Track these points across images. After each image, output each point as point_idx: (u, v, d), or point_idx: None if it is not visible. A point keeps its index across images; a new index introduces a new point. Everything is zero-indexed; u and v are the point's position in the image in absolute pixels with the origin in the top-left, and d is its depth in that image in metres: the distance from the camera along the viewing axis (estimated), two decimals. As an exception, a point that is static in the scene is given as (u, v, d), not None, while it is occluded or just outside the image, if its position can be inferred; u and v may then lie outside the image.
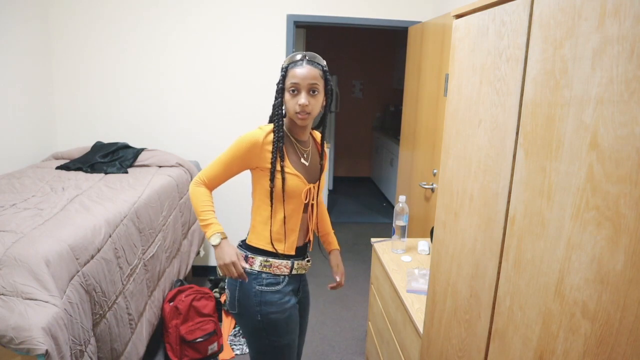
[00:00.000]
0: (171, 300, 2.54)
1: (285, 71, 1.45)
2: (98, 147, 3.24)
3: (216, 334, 2.63)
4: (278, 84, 1.46)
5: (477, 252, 1.11)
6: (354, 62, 7.02)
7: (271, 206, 1.50)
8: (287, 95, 1.44)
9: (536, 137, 0.86)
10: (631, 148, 0.64)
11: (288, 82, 1.43)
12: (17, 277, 1.51)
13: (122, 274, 2.03)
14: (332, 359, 2.73)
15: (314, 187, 1.55)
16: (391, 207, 5.63)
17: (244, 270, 1.47)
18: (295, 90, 1.42)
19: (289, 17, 3.41)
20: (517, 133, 0.94)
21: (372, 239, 2.46)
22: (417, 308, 1.73)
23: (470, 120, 1.15)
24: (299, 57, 1.45)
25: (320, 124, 1.62)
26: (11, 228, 1.75)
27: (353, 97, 7.20)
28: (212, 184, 1.52)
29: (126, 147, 3.26)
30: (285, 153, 1.48)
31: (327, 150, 1.69)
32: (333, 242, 1.80)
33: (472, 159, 1.14)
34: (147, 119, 3.51)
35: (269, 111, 1.54)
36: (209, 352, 2.59)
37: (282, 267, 1.54)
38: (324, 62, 1.48)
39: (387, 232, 4.44)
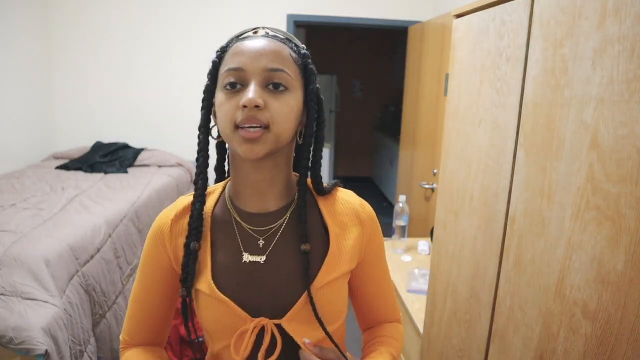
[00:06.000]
0: (171, 300, 2.53)
1: (220, 53, 0.74)
2: (98, 147, 3.24)
3: (216, 334, 2.62)
4: (206, 85, 0.74)
5: (477, 252, 1.11)
6: (354, 62, 7.02)
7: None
8: (219, 98, 0.70)
9: (536, 136, 0.86)
10: (632, 148, 0.64)
11: (223, 69, 0.70)
12: (17, 277, 1.51)
13: (121, 273, 2.03)
14: (332, 359, 2.72)
15: (280, 325, 0.72)
16: (391, 207, 5.63)
17: None
18: (237, 82, 0.68)
19: (289, 17, 3.40)
20: (517, 133, 0.93)
21: (372, 239, 2.46)
22: (417, 308, 1.73)
23: (470, 120, 1.15)
24: (250, 29, 0.75)
25: (303, 162, 0.76)
26: (11, 228, 1.75)
27: (353, 97, 7.19)
28: (139, 337, 0.83)
29: (126, 147, 3.25)
30: (208, 245, 0.75)
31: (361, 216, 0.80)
32: (374, 355, 0.80)
33: (472, 159, 1.14)
34: (147, 119, 3.50)
35: None
36: (209, 352, 2.59)
37: None
38: (302, 45, 0.77)
39: (387, 232, 4.42)
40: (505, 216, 0.98)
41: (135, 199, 2.37)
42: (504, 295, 0.98)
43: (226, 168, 0.83)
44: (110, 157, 3.07)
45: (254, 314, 0.72)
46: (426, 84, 2.95)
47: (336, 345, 0.74)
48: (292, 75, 0.70)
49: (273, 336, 0.71)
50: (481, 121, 1.09)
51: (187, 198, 0.79)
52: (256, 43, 0.69)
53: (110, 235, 2.00)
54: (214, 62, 0.73)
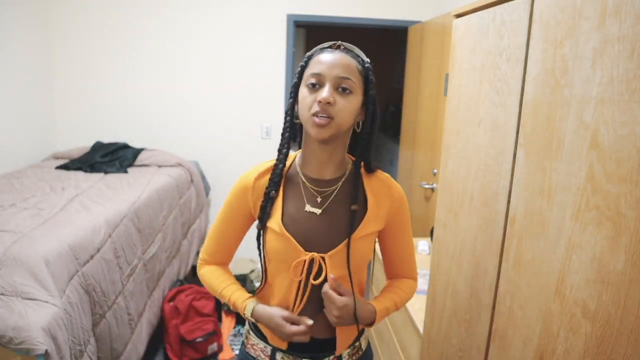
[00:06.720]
0: (171, 300, 2.53)
1: (307, 60, 1.00)
2: (98, 147, 3.24)
3: (216, 334, 2.63)
4: (294, 79, 1.02)
5: (477, 252, 1.11)
6: (354, 62, 7.01)
7: (262, 265, 1.10)
8: (303, 92, 0.97)
9: (536, 136, 0.86)
10: (632, 148, 0.64)
11: (308, 73, 0.97)
12: (17, 277, 1.51)
13: (121, 273, 2.03)
14: (332, 359, 2.72)
15: (324, 258, 0.99)
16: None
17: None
18: (317, 83, 0.94)
19: (289, 17, 3.40)
20: (517, 133, 0.93)
21: (372, 239, 2.45)
22: (417, 308, 1.73)
23: (470, 120, 1.15)
24: (329, 44, 1.01)
25: (358, 149, 1.04)
26: (10, 228, 1.75)
27: (353, 97, 7.17)
28: (216, 258, 1.15)
29: (126, 147, 3.26)
30: (281, 197, 1.03)
31: (392, 191, 1.08)
32: (380, 298, 1.13)
33: (472, 159, 1.14)
34: (147, 119, 3.50)
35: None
36: (209, 352, 2.59)
37: (257, 348, 1.12)
38: (367, 59, 1.02)
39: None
40: (505, 216, 0.98)
41: (135, 199, 2.37)
42: (504, 295, 0.98)
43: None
44: (110, 157, 3.07)
45: (307, 249, 0.99)
46: (426, 84, 2.95)
47: (351, 283, 1.00)
48: (356, 83, 0.96)
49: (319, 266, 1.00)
50: (481, 121, 1.09)
51: (268, 163, 1.07)
52: (333, 56, 0.96)
53: (110, 235, 2.00)
54: (301, 66, 1.00)
